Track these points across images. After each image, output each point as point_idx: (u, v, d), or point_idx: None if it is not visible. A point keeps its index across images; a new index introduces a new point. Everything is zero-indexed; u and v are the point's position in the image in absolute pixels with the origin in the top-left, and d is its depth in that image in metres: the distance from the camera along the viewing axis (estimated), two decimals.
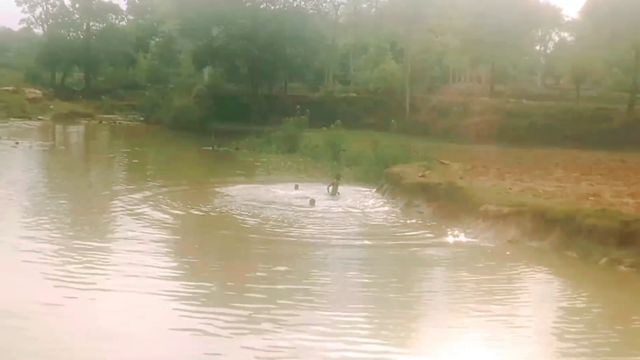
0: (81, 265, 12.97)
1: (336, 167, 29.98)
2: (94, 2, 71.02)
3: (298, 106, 40.14)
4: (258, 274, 13.23)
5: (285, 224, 17.89)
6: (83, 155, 38.88)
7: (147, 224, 17.10)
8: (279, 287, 12.19)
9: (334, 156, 32.05)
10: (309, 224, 18.06)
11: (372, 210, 20.79)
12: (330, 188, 23.29)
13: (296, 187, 24.08)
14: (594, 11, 40.72)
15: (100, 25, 72.07)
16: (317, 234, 16.86)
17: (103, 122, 56.85)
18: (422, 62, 51.15)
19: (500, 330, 10.71)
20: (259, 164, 33.25)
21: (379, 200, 22.57)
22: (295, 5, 52.67)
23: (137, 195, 21.33)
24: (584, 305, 12.12)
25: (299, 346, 9.28)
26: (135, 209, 19.11)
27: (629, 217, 14.75)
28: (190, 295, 11.59)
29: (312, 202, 21.36)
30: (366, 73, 52.40)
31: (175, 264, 14.05)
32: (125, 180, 26.08)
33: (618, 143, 37.28)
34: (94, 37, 71.21)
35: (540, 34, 57.85)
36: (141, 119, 58.61)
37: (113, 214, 18.62)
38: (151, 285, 12.00)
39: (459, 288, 13.09)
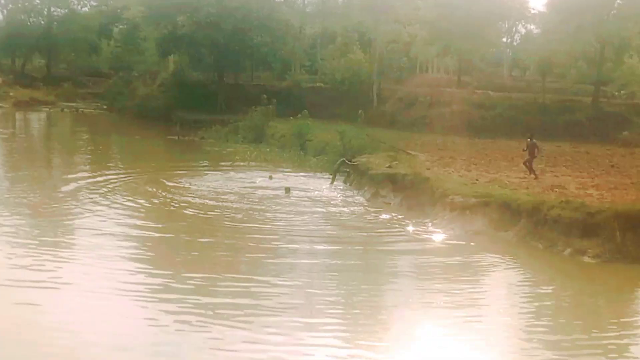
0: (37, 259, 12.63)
1: (302, 157, 29.70)
2: None
3: (265, 96, 39.68)
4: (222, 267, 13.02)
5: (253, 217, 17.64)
6: (44, 144, 37.92)
7: (108, 215, 16.66)
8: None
9: (301, 146, 31.77)
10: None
11: (340, 203, 20.54)
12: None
13: (270, 178, 23.92)
14: (560, 4, 40.93)
15: (62, 11, 70.17)
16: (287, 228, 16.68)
17: (65, 110, 55.56)
18: (390, 52, 51.04)
19: (466, 322, 10.63)
20: (225, 153, 32.76)
21: (346, 190, 22.39)
22: None
23: (98, 186, 20.83)
24: (549, 295, 12.15)
25: None
26: (96, 199, 18.61)
27: (593, 208, 14.85)
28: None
29: (288, 190, 21.30)
30: (333, 63, 51.94)
31: (136, 257, 13.69)
32: (87, 169, 25.34)
33: (582, 135, 37.66)
34: (55, 23, 69.36)
35: (506, 26, 58.16)
36: (104, 107, 57.43)
37: (72, 206, 17.98)
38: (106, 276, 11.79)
39: (424, 280, 12.99)
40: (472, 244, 15.30)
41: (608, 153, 30.45)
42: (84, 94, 63.79)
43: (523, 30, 62.23)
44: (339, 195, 21.52)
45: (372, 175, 21.44)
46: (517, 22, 60.00)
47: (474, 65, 48.47)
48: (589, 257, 13.90)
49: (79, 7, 72.53)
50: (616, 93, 46.63)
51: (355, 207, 19.56)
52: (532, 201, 15.78)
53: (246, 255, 13.93)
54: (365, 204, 19.97)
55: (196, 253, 14.05)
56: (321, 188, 22.56)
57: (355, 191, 22.01)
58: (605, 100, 42.44)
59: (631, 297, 12.74)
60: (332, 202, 20.16)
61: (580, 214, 14.62)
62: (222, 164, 29.15)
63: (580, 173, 22.05)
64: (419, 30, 47.53)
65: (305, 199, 20.48)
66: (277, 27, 49.23)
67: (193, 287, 11.49)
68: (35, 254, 12.85)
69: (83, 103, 60.05)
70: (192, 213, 17.72)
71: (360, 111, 32.46)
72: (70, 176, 22.70)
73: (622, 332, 10.40)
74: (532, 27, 59.67)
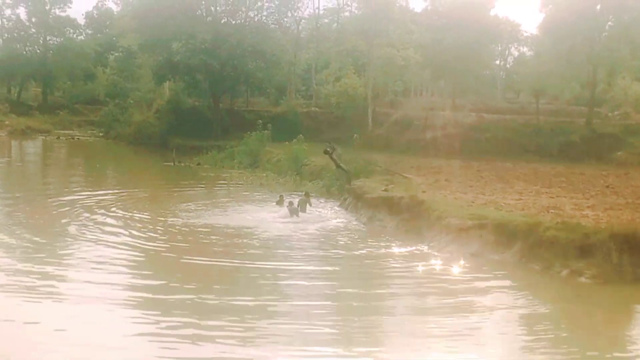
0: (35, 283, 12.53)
1: (299, 182, 29.70)
2: (50, 16, 69.58)
3: (260, 121, 39.90)
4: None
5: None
6: (40, 172, 37.82)
7: (103, 246, 16.53)
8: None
9: (297, 170, 31.83)
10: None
11: (336, 228, 20.49)
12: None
13: (280, 199, 23.42)
14: (552, 27, 41.35)
15: (58, 40, 70.46)
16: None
17: (61, 137, 55.59)
18: (384, 76, 51.35)
19: (464, 345, 10.55)
20: (222, 180, 32.73)
21: (343, 214, 22.35)
22: (256, 20, 52.30)
23: (95, 215, 20.68)
24: (547, 317, 12.06)
25: None
26: (92, 230, 18.43)
27: (589, 229, 14.82)
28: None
29: (295, 210, 21.22)
30: (328, 87, 52.28)
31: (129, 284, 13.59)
32: (84, 197, 25.10)
33: (577, 156, 37.87)
34: (50, 51, 69.66)
35: (500, 48, 58.67)
36: (100, 134, 57.51)
37: (70, 236, 17.83)
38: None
39: (422, 302, 12.93)
40: (468, 266, 15.25)
41: (603, 173, 30.54)
42: (80, 121, 63.93)
43: (516, 53, 62.82)
44: (334, 221, 21.44)
45: (368, 199, 21.44)
46: (510, 45, 60.57)
47: (468, 88, 48.71)
48: (586, 278, 13.85)
49: (75, 35, 72.93)
50: (610, 114, 46.95)
51: (352, 234, 19.50)
52: (528, 223, 15.76)
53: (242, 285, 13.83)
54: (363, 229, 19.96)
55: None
56: (316, 214, 22.49)
57: (350, 215, 21.97)
58: (599, 121, 42.76)
59: (629, 317, 12.68)
60: (326, 230, 20.04)
61: (577, 235, 14.59)
62: (217, 189, 29.22)
63: (576, 194, 22.08)
64: (413, 54, 47.87)
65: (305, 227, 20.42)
66: (272, 52, 49.63)
67: None
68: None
69: (79, 131, 60.13)
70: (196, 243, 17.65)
71: (355, 135, 32.61)
72: (67, 208, 22.38)
73: (620, 354, 10.32)
74: (525, 49, 60.25)
